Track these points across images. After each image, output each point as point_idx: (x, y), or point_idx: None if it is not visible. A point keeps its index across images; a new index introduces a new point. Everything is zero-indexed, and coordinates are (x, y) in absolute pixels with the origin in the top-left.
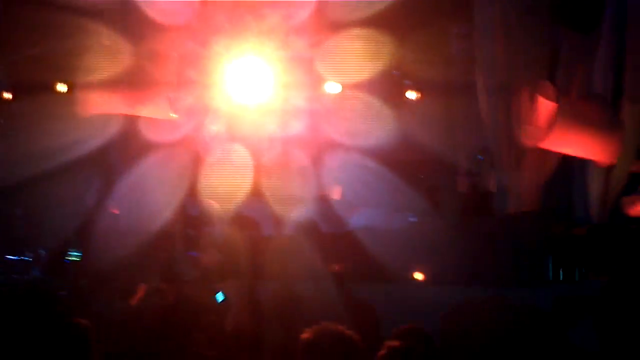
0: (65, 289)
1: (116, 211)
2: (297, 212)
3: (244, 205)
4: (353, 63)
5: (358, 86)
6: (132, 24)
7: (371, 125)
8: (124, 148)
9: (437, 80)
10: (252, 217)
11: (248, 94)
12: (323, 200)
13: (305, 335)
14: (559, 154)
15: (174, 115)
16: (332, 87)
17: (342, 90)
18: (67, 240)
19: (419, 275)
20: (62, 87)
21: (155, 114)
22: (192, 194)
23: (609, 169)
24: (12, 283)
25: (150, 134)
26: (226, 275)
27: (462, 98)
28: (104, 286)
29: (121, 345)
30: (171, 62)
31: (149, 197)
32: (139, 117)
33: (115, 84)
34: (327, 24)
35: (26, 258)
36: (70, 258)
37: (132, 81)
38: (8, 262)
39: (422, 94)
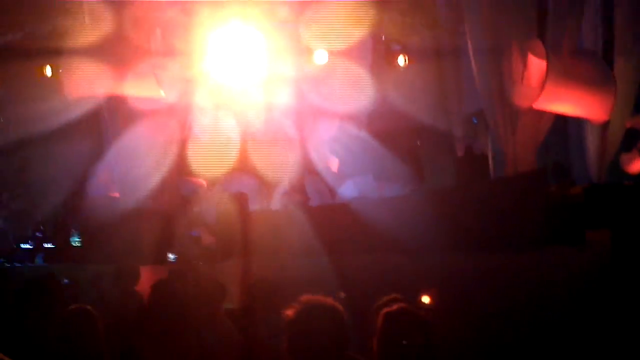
0: (68, 276)
1: (116, 194)
2: (285, 185)
3: (233, 181)
4: (341, 29)
5: (347, 53)
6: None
7: (361, 93)
8: (118, 129)
9: (426, 45)
10: (243, 193)
11: (236, 64)
12: (312, 172)
13: (289, 312)
14: (554, 113)
15: (162, 92)
16: (320, 56)
17: (330, 59)
18: (68, 226)
19: (415, 244)
20: (48, 71)
21: (143, 91)
22: (182, 173)
23: (604, 126)
24: (17, 272)
25: (140, 112)
26: (228, 254)
27: (453, 61)
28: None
29: (141, 334)
30: (155, 36)
31: (145, 178)
32: (127, 96)
33: (100, 63)
34: None
35: (28, 246)
36: (72, 244)
37: (118, 60)
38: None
39: (411, 59)
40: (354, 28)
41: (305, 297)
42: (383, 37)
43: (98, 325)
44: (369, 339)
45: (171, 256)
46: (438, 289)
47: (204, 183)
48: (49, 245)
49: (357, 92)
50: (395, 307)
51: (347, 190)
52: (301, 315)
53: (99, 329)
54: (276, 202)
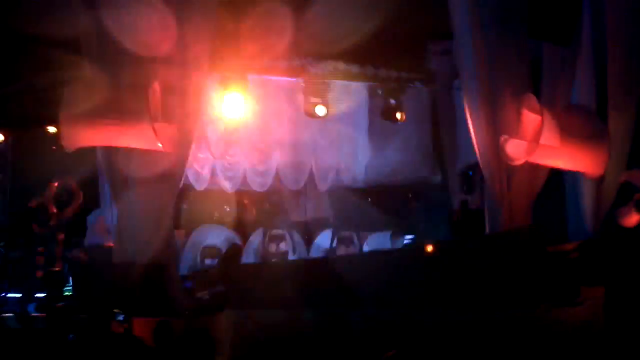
0: None
1: (111, 244)
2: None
3: (207, 232)
4: (336, 86)
5: (344, 107)
6: (111, 54)
7: (358, 147)
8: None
9: (422, 99)
10: (238, 245)
11: (234, 123)
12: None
13: None
14: (549, 167)
15: (160, 145)
16: (319, 110)
17: (329, 114)
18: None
19: (407, 300)
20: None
21: (141, 144)
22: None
23: (599, 181)
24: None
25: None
26: (222, 306)
27: (448, 115)
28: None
29: None
30: (154, 92)
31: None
32: (125, 148)
33: (98, 115)
34: (309, 51)
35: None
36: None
37: (116, 112)
38: None
39: (407, 114)
40: (352, 82)
41: None
42: (380, 91)
43: None
44: None
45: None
46: (431, 346)
47: (181, 233)
48: (40, 295)
49: (354, 145)
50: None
51: (324, 241)
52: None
53: None
54: (249, 254)
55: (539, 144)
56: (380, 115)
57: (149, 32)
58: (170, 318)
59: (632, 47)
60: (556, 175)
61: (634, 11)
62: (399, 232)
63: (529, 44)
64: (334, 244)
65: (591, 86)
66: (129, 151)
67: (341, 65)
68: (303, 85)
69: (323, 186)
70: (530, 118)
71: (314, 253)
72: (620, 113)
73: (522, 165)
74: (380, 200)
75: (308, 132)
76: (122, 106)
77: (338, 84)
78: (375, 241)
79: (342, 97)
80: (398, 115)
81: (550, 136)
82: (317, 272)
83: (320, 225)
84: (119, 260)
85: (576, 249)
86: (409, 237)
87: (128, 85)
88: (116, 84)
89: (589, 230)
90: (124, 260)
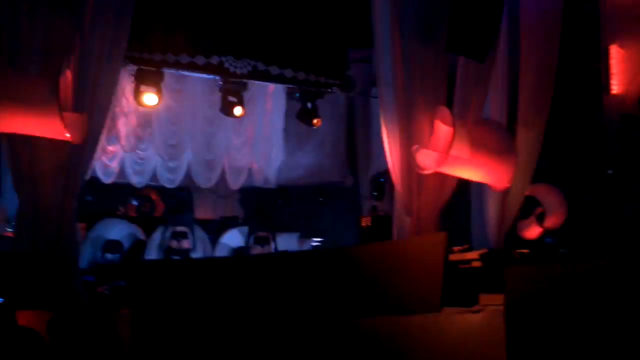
0: None
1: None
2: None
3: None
4: (254, 86)
5: (261, 110)
6: (21, 42)
7: (273, 147)
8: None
9: (339, 105)
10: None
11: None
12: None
13: None
14: (457, 178)
15: (68, 136)
16: (236, 110)
17: (245, 114)
18: None
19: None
20: None
21: (48, 133)
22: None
23: (505, 193)
24: None
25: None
26: (123, 302)
27: (364, 121)
28: None
29: None
30: (65, 82)
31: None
32: (31, 137)
33: (5, 102)
34: (228, 49)
35: None
36: None
37: (24, 100)
38: None
39: (324, 118)
40: (270, 83)
41: None
42: (297, 94)
43: None
44: None
45: None
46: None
47: (83, 226)
48: None
49: (268, 146)
50: None
51: (231, 239)
52: None
53: None
54: (152, 250)
55: (448, 155)
56: (296, 118)
57: (62, 25)
58: (66, 311)
59: (543, 67)
60: (463, 185)
61: (547, 34)
62: (307, 234)
63: (446, 57)
64: (250, 243)
65: (503, 102)
66: (35, 140)
67: (260, 66)
68: (220, 83)
69: (235, 185)
70: (442, 129)
71: (221, 251)
72: (529, 130)
73: (431, 175)
74: (291, 201)
75: (222, 131)
76: (30, 94)
77: (256, 85)
78: (283, 242)
79: (260, 98)
80: (314, 119)
81: (460, 148)
82: (224, 272)
83: (229, 223)
84: (19, 250)
85: (478, 258)
86: (317, 240)
87: (38, 73)
88: (26, 72)
89: (491, 241)
90: (23, 250)
